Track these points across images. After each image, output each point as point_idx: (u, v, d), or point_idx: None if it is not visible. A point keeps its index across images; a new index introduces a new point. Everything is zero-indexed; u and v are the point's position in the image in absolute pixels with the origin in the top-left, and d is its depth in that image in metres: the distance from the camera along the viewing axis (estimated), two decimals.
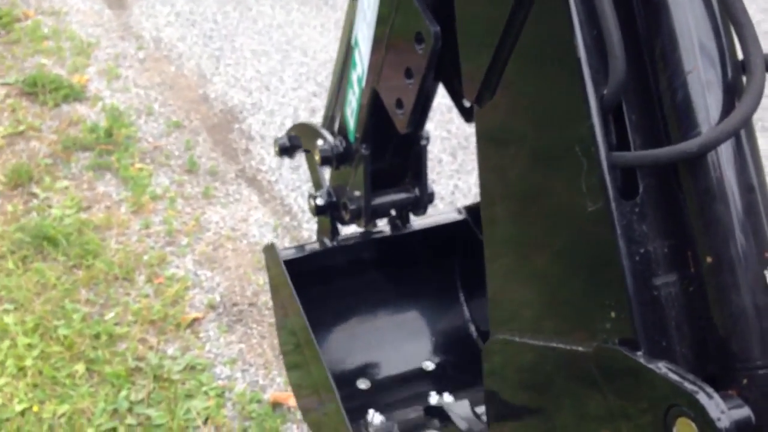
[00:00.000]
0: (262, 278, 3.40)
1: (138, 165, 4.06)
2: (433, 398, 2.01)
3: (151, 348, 3.03)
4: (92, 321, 3.11)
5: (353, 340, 2.14)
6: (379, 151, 1.94)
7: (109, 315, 3.15)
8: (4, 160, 4.03)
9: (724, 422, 0.90)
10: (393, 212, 2.15)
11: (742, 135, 1.02)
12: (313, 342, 1.88)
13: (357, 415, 1.95)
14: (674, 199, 1.06)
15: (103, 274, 3.35)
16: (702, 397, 0.92)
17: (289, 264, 1.95)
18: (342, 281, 2.13)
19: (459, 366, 2.14)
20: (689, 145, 0.99)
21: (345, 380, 2.04)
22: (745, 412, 0.95)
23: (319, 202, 2.08)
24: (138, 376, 2.91)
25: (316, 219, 2.19)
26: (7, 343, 2.99)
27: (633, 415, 1.04)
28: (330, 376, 1.85)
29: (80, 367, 2.91)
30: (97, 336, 3.04)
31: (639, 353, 1.02)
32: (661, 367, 0.98)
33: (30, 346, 2.99)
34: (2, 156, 4.06)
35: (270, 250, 2.01)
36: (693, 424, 0.93)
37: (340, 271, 2.13)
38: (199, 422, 2.74)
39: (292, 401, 2.77)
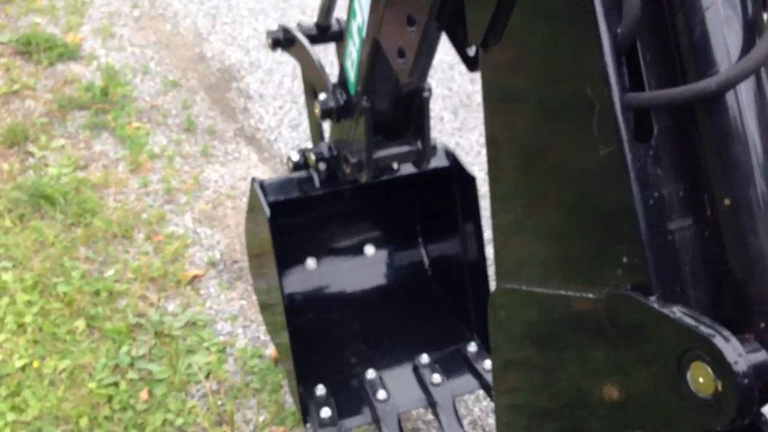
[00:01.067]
0: None
1: (135, 124, 4.01)
2: None
3: (151, 305, 3.00)
4: (92, 278, 3.09)
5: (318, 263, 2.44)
6: (381, 103, 1.91)
7: (109, 272, 3.13)
8: (0, 119, 3.97)
9: (741, 365, 0.88)
10: (395, 165, 2.12)
11: (762, 73, 0.99)
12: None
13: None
14: (690, 141, 1.03)
15: (102, 232, 3.32)
16: (718, 341, 0.89)
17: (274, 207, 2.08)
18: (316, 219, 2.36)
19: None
20: (708, 83, 0.95)
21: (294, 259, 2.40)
22: (762, 355, 0.93)
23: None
24: (139, 332, 2.90)
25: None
26: (6, 300, 2.97)
27: (643, 365, 1.02)
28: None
29: (80, 324, 2.89)
30: (96, 293, 3.02)
31: (652, 298, 1.00)
32: (675, 312, 0.96)
33: (29, 303, 2.96)
34: None
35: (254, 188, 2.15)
36: (708, 368, 0.90)
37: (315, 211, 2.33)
38: (201, 377, 2.73)
39: None
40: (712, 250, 1.02)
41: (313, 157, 2.15)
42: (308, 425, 2.18)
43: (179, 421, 2.60)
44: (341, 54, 1.95)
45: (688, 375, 0.93)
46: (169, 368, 2.75)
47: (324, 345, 2.37)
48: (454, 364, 2.29)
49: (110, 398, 2.66)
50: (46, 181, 3.51)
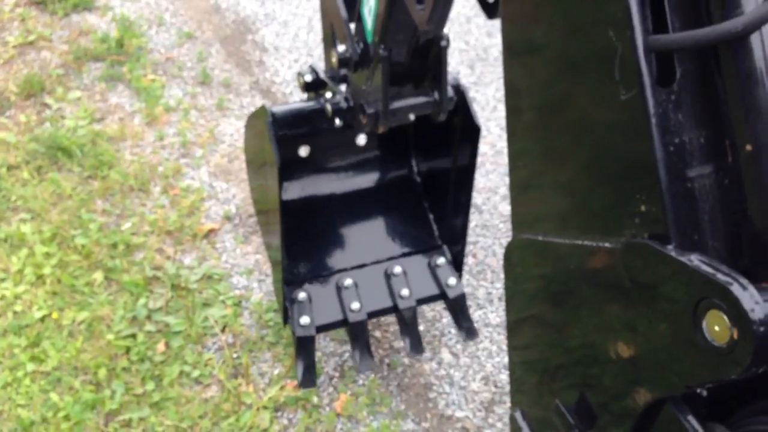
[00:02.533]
0: None
1: (150, 76, 3.99)
2: None
3: (168, 258, 3.04)
4: (109, 231, 3.12)
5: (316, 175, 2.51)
6: (398, 52, 1.89)
7: (126, 225, 3.16)
8: (16, 70, 3.97)
9: (758, 313, 0.87)
10: (412, 117, 2.10)
11: None
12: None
13: None
14: (712, 87, 1.01)
15: (119, 184, 3.33)
16: (735, 288, 0.89)
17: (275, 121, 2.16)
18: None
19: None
20: (734, 24, 0.93)
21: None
22: None
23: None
24: (156, 285, 2.93)
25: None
26: (24, 251, 3.01)
27: (659, 315, 1.02)
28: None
29: (98, 276, 2.93)
30: (114, 245, 3.05)
31: (669, 247, 0.99)
32: (693, 260, 0.95)
33: (48, 255, 3.00)
34: (14, 66, 4.00)
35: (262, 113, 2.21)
36: (725, 317, 0.90)
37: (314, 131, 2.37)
38: (217, 330, 2.77)
39: None
40: (732, 198, 1.02)
41: (329, 108, 2.15)
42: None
43: (195, 373, 2.64)
44: (359, 2, 1.92)
45: (704, 324, 0.93)
46: (186, 321, 2.79)
47: (308, 248, 2.49)
48: (422, 278, 2.49)
49: (128, 350, 2.70)
50: (62, 133, 3.52)
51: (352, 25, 2.00)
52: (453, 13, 4.48)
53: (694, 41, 0.96)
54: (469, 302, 2.66)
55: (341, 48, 1.99)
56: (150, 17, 4.44)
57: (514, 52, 1.27)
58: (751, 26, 0.92)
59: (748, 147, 0.97)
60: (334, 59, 2.00)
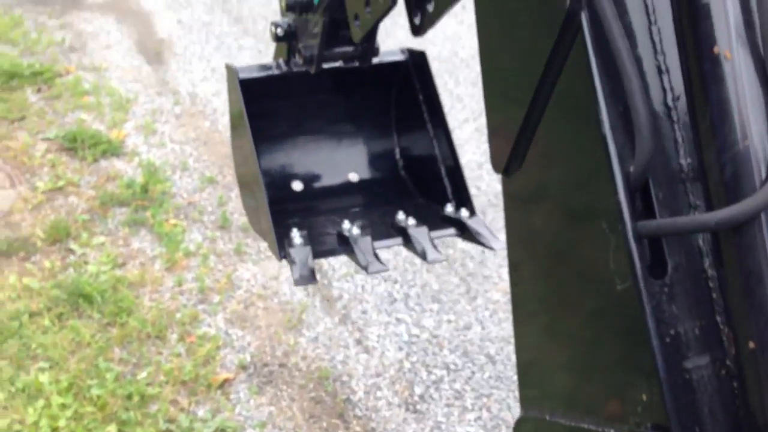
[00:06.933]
0: (293, 338, 3.43)
1: (172, 221, 4.13)
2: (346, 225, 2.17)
3: (182, 410, 3.05)
4: (125, 380, 3.15)
5: (292, 147, 2.45)
6: (339, 7, 2.01)
7: (142, 374, 3.19)
8: (44, 215, 4.13)
9: None
10: (340, 62, 2.26)
11: None
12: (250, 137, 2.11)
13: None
14: (704, 279, 1.04)
15: (137, 331, 3.39)
16: None
17: (244, 82, 2.17)
18: (290, 101, 2.40)
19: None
20: (708, 217, 0.96)
21: (280, 181, 2.40)
22: None
23: (279, 32, 2.27)
24: None
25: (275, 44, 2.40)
26: (41, 402, 3.04)
27: None
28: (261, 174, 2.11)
29: (112, 429, 2.94)
30: (129, 396, 3.07)
31: None
32: None
33: (64, 406, 3.03)
34: (42, 211, 4.16)
35: (230, 70, 2.23)
36: None
37: (290, 93, 2.38)
38: None
39: None
40: (731, 389, 1.02)
41: (273, 29, 2.25)
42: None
43: None
44: None
45: None
46: None
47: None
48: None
49: None
50: (85, 279, 3.62)
51: None
52: (464, 159, 4.64)
53: (674, 228, 1.00)
54: None
55: None
56: (174, 162, 4.64)
57: (514, 230, 1.32)
58: (723, 223, 0.95)
59: (751, 344, 0.98)
60: (282, 2, 2.16)
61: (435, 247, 2.11)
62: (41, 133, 4.81)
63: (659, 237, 1.03)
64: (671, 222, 1.02)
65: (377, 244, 2.14)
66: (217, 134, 4.94)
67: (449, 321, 3.57)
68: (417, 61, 2.38)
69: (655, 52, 1.06)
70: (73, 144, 4.67)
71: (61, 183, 4.36)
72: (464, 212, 2.20)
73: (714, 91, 1.00)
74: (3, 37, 5.78)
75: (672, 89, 1.06)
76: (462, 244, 4.04)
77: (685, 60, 1.05)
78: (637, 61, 1.04)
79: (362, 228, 2.15)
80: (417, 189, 2.47)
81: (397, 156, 2.54)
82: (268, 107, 2.35)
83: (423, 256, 2.09)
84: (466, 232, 2.19)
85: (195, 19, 6.36)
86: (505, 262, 3.84)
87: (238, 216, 4.21)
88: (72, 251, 3.88)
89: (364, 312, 3.62)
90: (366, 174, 2.51)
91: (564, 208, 1.18)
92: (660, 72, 1.06)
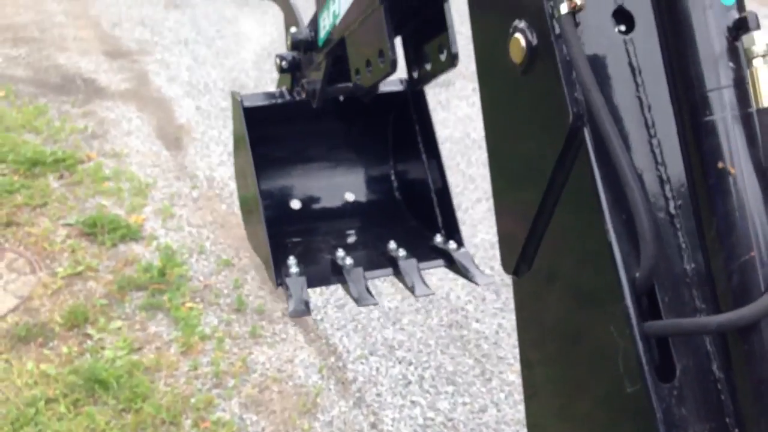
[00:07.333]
0: (307, 422, 3.41)
1: (189, 304, 4.18)
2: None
3: None
4: None
5: (292, 170, 2.54)
6: (342, 51, 2.06)
7: None
8: (62, 301, 4.19)
9: None
10: (341, 98, 2.37)
11: None
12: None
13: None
14: (713, 381, 1.06)
15: (151, 417, 3.39)
16: None
17: (248, 110, 2.27)
18: (292, 127, 2.48)
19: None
20: (708, 321, 1.00)
21: (279, 202, 2.49)
22: None
23: (284, 65, 2.35)
24: None
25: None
26: None
27: None
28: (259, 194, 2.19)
29: None
30: None
31: None
32: None
33: None
34: (60, 296, 4.23)
35: (235, 98, 2.31)
36: None
37: (292, 119, 2.46)
38: None
39: None
40: None
41: (278, 61, 2.32)
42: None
43: None
44: (319, 5, 2.10)
45: None
46: None
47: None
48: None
49: None
50: (101, 365, 3.65)
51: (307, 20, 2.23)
52: (477, 239, 4.69)
53: (678, 329, 1.03)
54: None
55: (293, 30, 2.21)
56: (192, 246, 4.71)
57: (525, 329, 1.35)
58: (723, 326, 0.99)
59: None
60: (288, 41, 2.22)
61: (423, 281, 2.22)
62: (62, 218, 4.91)
63: (665, 337, 1.06)
64: (676, 323, 1.06)
65: (369, 274, 2.24)
66: (233, 217, 5.02)
67: (464, 403, 3.54)
68: (414, 92, 2.49)
69: (656, 163, 1.12)
70: (93, 229, 4.76)
71: (80, 268, 4.44)
72: (452, 244, 2.32)
73: (720, 204, 1.05)
74: (27, 126, 5.97)
75: (674, 197, 1.11)
76: (476, 325, 4.04)
77: (690, 173, 1.10)
78: (639, 172, 1.09)
79: (355, 258, 2.24)
80: (410, 211, 2.58)
81: (393, 179, 2.64)
82: (270, 133, 2.46)
83: (412, 290, 2.20)
84: (453, 265, 2.30)
85: (213, 105, 6.56)
86: None
87: (254, 298, 4.25)
88: (89, 336, 3.92)
89: (379, 395, 3.61)
90: (362, 196, 2.62)
91: (572, 311, 1.21)
92: (662, 182, 1.12)
